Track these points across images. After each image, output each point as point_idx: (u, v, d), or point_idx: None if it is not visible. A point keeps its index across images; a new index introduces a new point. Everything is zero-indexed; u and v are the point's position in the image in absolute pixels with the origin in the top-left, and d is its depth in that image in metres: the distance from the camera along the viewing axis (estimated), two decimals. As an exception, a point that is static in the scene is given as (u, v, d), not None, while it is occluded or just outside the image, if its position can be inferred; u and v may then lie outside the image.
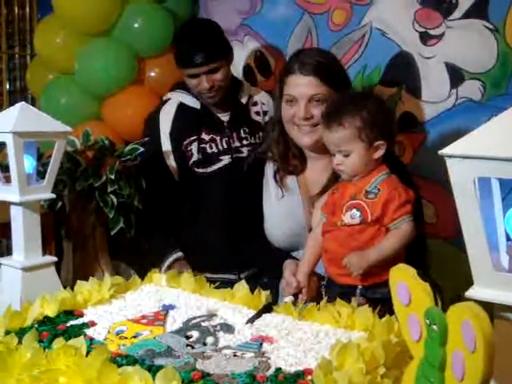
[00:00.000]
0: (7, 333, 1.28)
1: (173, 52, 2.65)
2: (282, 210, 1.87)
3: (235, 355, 1.18)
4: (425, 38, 2.36)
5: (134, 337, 1.28)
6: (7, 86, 3.38)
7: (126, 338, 1.28)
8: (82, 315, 1.41)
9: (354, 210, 1.54)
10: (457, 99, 2.31)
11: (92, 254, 2.11)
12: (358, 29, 2.51)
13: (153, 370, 1.08)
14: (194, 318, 1.38)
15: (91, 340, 1.25)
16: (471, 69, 2.26)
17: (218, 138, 2.24)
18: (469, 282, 0.91)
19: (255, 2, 2.84)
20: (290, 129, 1.82)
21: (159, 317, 1.39)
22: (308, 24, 2.66)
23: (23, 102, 1.74)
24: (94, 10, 2.56)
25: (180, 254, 2.20)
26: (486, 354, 0.69)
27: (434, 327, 0.77)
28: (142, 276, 1.68)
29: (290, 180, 1.89)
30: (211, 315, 1.39)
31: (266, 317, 1.39)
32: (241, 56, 2.82)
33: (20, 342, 1.21)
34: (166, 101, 2.31)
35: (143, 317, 1.40)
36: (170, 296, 1.54)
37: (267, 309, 1.42)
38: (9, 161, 1.65)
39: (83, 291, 1.51)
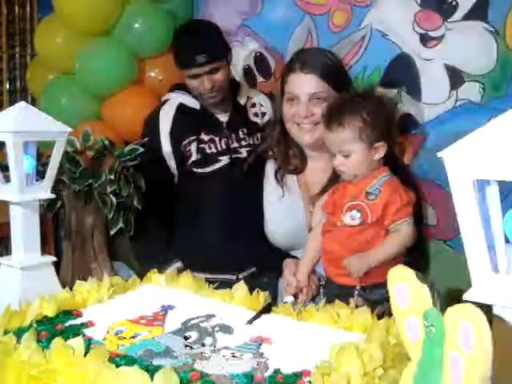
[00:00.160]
0: (6, 332, 1.28)
1: (173, 53, 2.68)
2: (282, 209, 1.87)
3: (234, 356, 1.18)
4: (425, 39, 2.36)
5: (133, 337, 1.28)
6: (7, 86, 3.38)
7: (124, 338, 1.28)
8: (80, 315, 1.41)
9: (355, 211, 1.54)
10: (456, 101, 2.31)
11: (91, 253, 2.11)
12: (359, 30, 2.52)
13: (151, 370, 1.08)
14: (193, 318, 1.38)
15: (90, 340, 1.25)
16: (471, 71, 2.27)
17: (217, 139, 2.26)
18: (468, 284, 0.91)
19: (255, 3, 2.84)
20: (291, 127, 1.83)
21: (158, 317, 1.39)
22: (308, 25, 2.66)
23: (23, 102, 1.74)
24: (95, 9, 2.56)
25: (179, 264, 2.21)
26: (484, 357, 0.69)
27: (432, 329, 0.77)
28: (141, 276, 1.68)
29: (291, 179, 1.89)
30: (210, 316, 1.39)
31: (265, 317, 1.39)
32: (241, 57, 2.83)
33: (19, 342, 1.21)
34: (165, 101, 2.32)
35: (142, 317, 1.40)
36: (169, 296, 1.54)
37: (267, 309, 1.42)
38: (8, 160, 1.65)
39: (82, 291, 1.52)
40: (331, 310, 1.36)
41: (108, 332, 1.31)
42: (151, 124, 2.31)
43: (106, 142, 2.13)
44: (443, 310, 0.78)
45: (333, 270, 1.60)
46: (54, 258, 1.78)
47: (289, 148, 1.88)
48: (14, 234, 1.71)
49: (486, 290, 0.85)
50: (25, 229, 1.69)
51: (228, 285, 1.60)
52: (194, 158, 2.24)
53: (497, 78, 2.21)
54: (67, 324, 1.35)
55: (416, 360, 0.84)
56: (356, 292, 1.53)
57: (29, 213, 1.70)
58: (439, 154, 0.84)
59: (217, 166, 2.25)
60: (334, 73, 1.80)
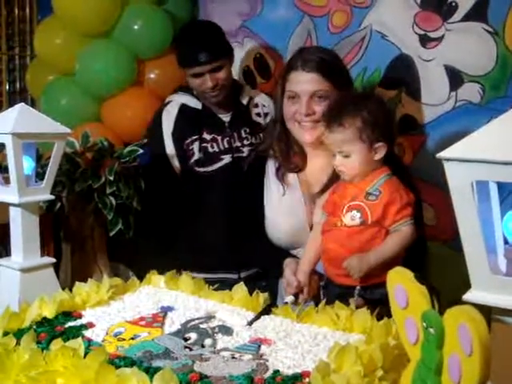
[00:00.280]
0: (5, 334, 1.28)
1: (173, 53, 2.68)
2: (283, 207, 1.87)
3: (233, 357, 1.18)
4: (424, 40, 2.36)
5: (132, 338, 1.28)
6: (7, 87, 3.38)
7: (124, 339, 1.28)
8: (80, 316, 1.41)
9: (355, 212, 1.53)
10: (456, 102, 2.31)
11: (91, 255, 2.12)
12: (358, 31, 2.52)
13: (150, 371, 1.08)
14: (193, 319, 1.38)
15: (89, 341, 1.25)
16: (471, 71, 2.27)
17: (219, 138, 2.27)
18: (468, 285, 0.91)
19: (255, 4, 2.84)
20: (292, 126, 1.83)
21: (157, 318, 1.39)
22: (308, 26, 2.66)
23: (22, 103, 1.74)
24: (94, 11, 2.56)
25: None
26: (483, 358, 0.69)
27: (431, 330, 0.77)
28: (141, 277, 1.68)
29: (291, 177, 1.89)
30: (209, 317, 1.39)
31: (265, 319, 1.39)
32: (240, 58, 2.83)
33: (18, 343, 1.21)
34: (168, 102, 2.35)
35: (141, 318, 1.40)
36: (169, 298, 1.54)
37: (266, 311, 1.42)
38: (8, 162, 1.65)
39: (81, 293, 1.51)
40: (331, 312, 1.36)
41: (107, 333, 1.31)
42: (154, 125, 2.34)
43: (106, 144, 2.13)
44: (443, 311, 0.78)
45: (333, 270, 1.59)
46: (54, 260, 1.78)
47: (289, 146, 1.88)
48: (13, 235, 1.72)
49: (485, 291, 0.85)
50: (24, 230, 1.69)
51: (230, 284, 1.61)
52: (196, 157, 2.26)
53: (496, 78, 2.22)
54: (67, 325, 1.35)
55: (415, 361, 0.84)
56: (356, 292, 1.53)
57: (28, 214, 1.70)
58: (438, 156, 0.84)
59: (219, 164, 2.27)
60: (334, 71, 1.80)
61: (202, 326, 1.34)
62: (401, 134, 2.37)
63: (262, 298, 1.48)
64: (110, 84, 2.61)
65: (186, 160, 2.27)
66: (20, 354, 1.15)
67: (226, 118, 2.30)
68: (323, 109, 1.71)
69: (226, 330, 1.32)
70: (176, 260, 2.30)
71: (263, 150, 1.97)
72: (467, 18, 2.26)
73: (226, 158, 2.26)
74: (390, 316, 1.09)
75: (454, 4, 2.29)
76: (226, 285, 1.61)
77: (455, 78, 2.30)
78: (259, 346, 1.23)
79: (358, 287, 1.53)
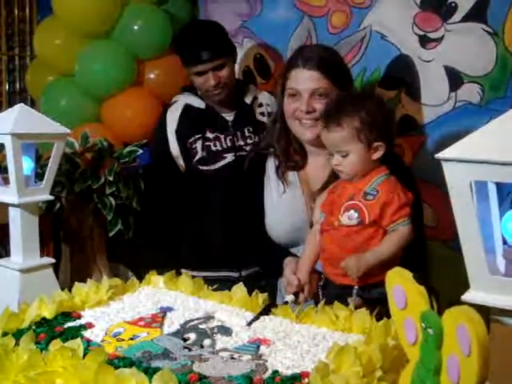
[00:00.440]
0: (4, 334, 1.28)
1: (173, 54, 2.69)
2: (283, 205, 1.87)
3: (232, 358, 1.18)
4: (424, 41, 2.36)
5: (132, 339, 1.28)
6: (6, 88, 3.38)
7: (123, 339, 1.28)
8: (79, 317, 1.41)
9: (352, 211, 1.53)
10: (456, 102, 2.31)
11: (90, 255, 2.12)
12: (358, 32, 2.52)
13: (149, 372, 1.08)
14: (192, 320, 1.38)
15: (88, 342, 1.25)
16: (470, 72, 2.27)
17: (222, 137, 2.30)
18: (467, 285, 0.91)
19: (255, 5, 2.84)
20: (292, 123, 1.83)
21: (157, 319, 1.39)
22: (308, 26, 2.67)
23: (22, 104, 1.74)
24: (94, 11, 2.56)
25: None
26: (481, 358, 0.69)
27: (430, 331, 0.77)
28: (141, 278, 1.68)
29: (292, 175, 1.89)
30: (208, 317, 1.39)
31: (264, 319, 1.39)
32: (240, 58, 2.83)
33: (17, 344, 1.21)
34: (173, 103, 2.38)
35: (141, 319, 1.40)
36: (168, 298, 1.54)
37: (266, 311, 1.42)
38: (7, 162, 1.65)
39: (81, 293, 1.51)
40: (330, 312, 1.36)
41: (106, 334, 1.31)
42: (159, 125, 2.39)
43: (105, 144, 2.13)
44: (443, 311, 0.78)
45: (331, 269, 1.59)
46: (53, 260, 1.78)
47: (289, 144, 1.88)
48: (12, 235, 1.72)
49: (484, 291, 0.85)
50: (24, 231, 1.69)
51: (231, 282, 1.60)
52: (199, 155, 2.28)
53: (496, 79, 2.22)
54: (66, 326, 1.35)
55: (414, 362, 0.84)
56: (354, 292, 1.52)
57: (28, 215, 1.70)
58: (436, 156, 0.84)
59: (222, 163, 2.29)
60: (335, 69, 1.80)
61: (201, 326, 1.34)
62: (400, 134, 2.37)
63: (261, 298, 1.48)
64: (109, 84, 2.61)
65: (190, 159, 2.30)
66: (19, 355, 1.15)
67: (229, 117, 2.32)
68: (323, 107, 1.71)
69: (225, 331, 1.32)
70: (177, 259, 2.34)
71: (263, 148, 1.97)
72: (467, 18, 2.27)
73: (229, 157, 2.29)
74: (389, 316, 1.09)
75: (453, 5, 2.29)
76: (227, 283, 1.62)
77: (455, 79, 2.30)
78: (258, 347, 1.23)
79: (356, 287, 1.52)
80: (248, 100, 2.35)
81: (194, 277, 1.69)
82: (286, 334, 1.30)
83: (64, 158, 1.91)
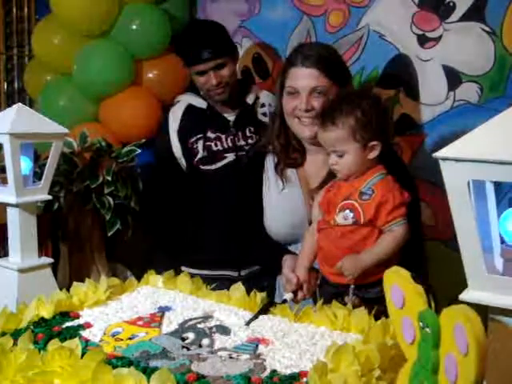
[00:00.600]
0: (2, 334, 1.28)
1: (171, 53, 2.69)
2: (282, 202, 1.87)
3: (231, 357, 1.18)
4: (422, 40, 2.36)
5: (130, 338, 1.28)
6: (5, 87, 3.37)
7: (121, 339, 1.28)
8: (77, 317, 1.41)
9: (347, 211, 1.53)
10: (454, 102, 2.31)
11: (89, 255, 2.11)
12: (356, 31, 2.52)
13: (148, 371, 1.08)
14: (190, 319, 1.38)
15: (87, 342, 1.25)
16: (468, 71, 2.27)
17: (223, 137, 2.31)
18: (466, 285, 0.91)
19: (253, 5, 2.84)
20: (292, 121, 1.83)
21: (155, 318, 1.39)
22: (307, 26, 2.67)
23: (20, 103, 1.74)
24: (92, 11, 2.56)
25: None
26: (478, 357, 0.69)
27: (427, 330, 0.77)
28: (140, 277, 1.68)
29: (290, 172, 1.89)
30: (207, 317, 1.39)
31: (263, 318, 1.39)
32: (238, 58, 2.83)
33: (15, 344, 1.21)
34: (175, 103, 2.40)
35: (139, 318, 1.40)
36: (166, 298, 1.54)
37: (264, 310, 1.42)
38: (5, 162, 1.65)
39: (79, 293, 1.51)
40: (328, 311, 1.36)
41: (105, 334, 1.31)
42: (162, 125, 2.42)
43: (104, 144, 2.13)
44: (441, 310, 0.78)
45: (327, 268, 1.59)
46: (51, 260, 1.78)
47: (289, 142, 1.88)
48: (11, 235, 1.72)
49: (482, 290, 0.85)
50: (22, 230, 1.69)
51: (230, 281, 1.59)
52: (200, 155, 2.30)
53: (494, 78, 2.22)
54: (64, 326, 1.35)
55: (412, 361, 0.84)
56: (351, 291, 1.52)
57: (26, 214, 1.70)
58: (434, 155, 0.84)
59: (222, 162, 2.30)
60: (334, 67, 1.81)
61: (199, 325, 1.34)
62: (399, 133, 2.37)
63: (259, 297, 1.48)
64: (107, 84, 2.61)
65: (191, 158, 2.31)
66: (17, 355, 1.15)
67: (230, 117, 2.33)
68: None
69: (224, 330, 1.32)
70: (177, 257, 2.35)
71: (262, 146, 1.97)
72: (465, 17, 2.27)
73: (230, 157, 2.29)
74: (387, 315, 1.09)
75: (451, 4, 2.29)
76: (227, 282, 1.62)
77: (453, 78, 2.30)
78: (257, 346, 1.23)
79: (352, 286, 1.52)
80: (250, 100, 2.36)
81: (193, 275, 1.70)
82: (285, 333, 1.30)
83: (62, 157, 1.91)
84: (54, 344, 1.18)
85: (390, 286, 0.85)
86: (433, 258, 2.03)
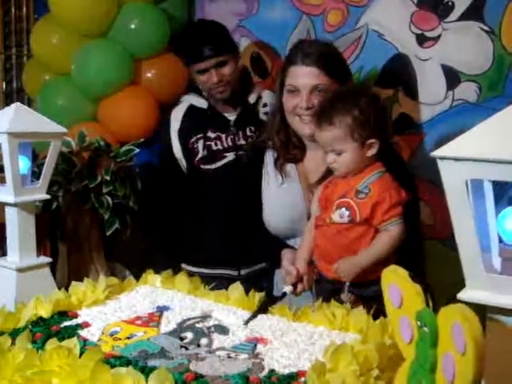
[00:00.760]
0: (1, 333, 1.28)
1: (169, 53, 2.69)
2: (281, 197, 1.87)
3: (229, 356, 1.18)
4: (421, 39, 2.36)
5: (128, 338, 1.28)
6: (3, 87, 3.37)
7: (119, 339, 1.28)
8: (76, 316, 1.41)
9: (343, 209, 1.52)
10: (453, 101, 2.32)
11: (87, 255, 2.11)
12: (354, 30, 2.52)
13: (146, 371, 1.08)
14: (189, 319, 1.38)
15: (85, 341, 1.25)
16: (467, 71, 2.27)
17: (223, 136, 2.31)
18: (464, 284, 0.91)
19: (252, 4, 2.84)
20: (292, 119, 1.83)
21: (153, 318, 1.39)
22: (307, 25, 2.66)
23: (18, 103, 1.74)
24: (91, 10, 2.55)
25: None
26: (476, 356, 0.69)
27: (425, 329, 0.77)
28: (138, 277, 1.68)
29: (290, 168, 1.89)
30: (205, 316, 1.39)
31: (261, 318, 1.39)
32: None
33: (13, 343, 1.21)
34: (178, 103, 2.40)
35: (137, 318, 1.40)
36: (165, 297, 1.54)
37: (263, 309, 1.42)
38: (4, 161, 1.64)
39: (78, 292, 1.51)
40: (327, 311, 1.36)
41: (103, 333, 1.31)
42: (163, 125, 2.42)
43: (102, 143, 2.13)
44: (439, 309, 0.78)
45: (323, 265, 1.59)
46: (50, 259, 1.78)
47: (288, 137, 1.88)
48: (9, 235, 1.71)
49: (480, 290, 0.85)
50: (20, 230, 1.69)
51: (230, 280, 1.60)
52: (200, 154, 2.30)
53: (493, 77, 2.22)
54: (62, 325, 1.35)
55: (410, 360, 0.84)
56: (346, 288, 1.52)
57: (24, 214, 1.70)
58: (432, 154, 0.84)
59: (222, 162, 2.30)
60: (334, 65, 1.80)
61: (197, 325, 1.34)
62: (398, 133, 2.37)
63: (258, 297, 1.48)
64: (106, 83, 2.60)
65: (192, 158, 2.31)
66: (15, 354, 1.15)
67: (231, 116, 2.33)
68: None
69: (222, 330, 1.32)
70: (177, 255, 2.35)
71: (262, 141, 1.97)
72: (464, 17, 2.27)
73: (230, 156, 2.29)
74: (385, 314, 1.09)
75: (450, 3, 2.29)
76: (226, 281, 1.62)
77: (452, 77, 2.30)
78: (255, 346, 1.23)
79: (347, 283, 1.52)
80: (251, 99, 2.36)
81: (193, 273, 1.70)
82: (283, 332, 1.30)
83: (61, 157, 1.91)
84: (52, 343, 1.18)
85: (387, 285, 0.85)
86: (431, 256, 2.03)
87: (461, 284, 0.89)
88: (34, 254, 1.73)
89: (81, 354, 1.14)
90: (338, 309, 1.36)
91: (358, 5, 2.50)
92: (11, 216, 1.70)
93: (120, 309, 1.46)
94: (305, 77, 1.77)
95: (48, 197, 1.78)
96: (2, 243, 1.79)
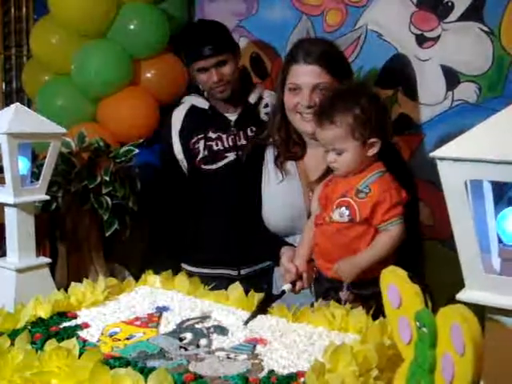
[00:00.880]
0: (0, 334, 1.28)
1: (169, 53, 2.69)
2: (281, 194, 1.87)
3: (228, 357, 1.18)
4: (421, 40, 2.36)
5: (128, 339, 1.28)
6: (3, 87, 3.37)
7: (119, 339, 1.28)
8: (75, 317, 1.40)
9: (343, 209, 1.52)
10: (453, 101, 2.32)
11: (87, 255, 2.11)
12: (353, 30, 2.52)
13: (145, 371, 1.08)
14: (188, 319, 1.38)
15: (84, 342, 1.25)
16: (467, 71, 2.27)
17: (224, 136, 2.32)
18: (463, 284, 0.91)
19: (251, 5, 2.84)
20: (293, 117, 1.83)
21: (153, 319, 1.39)
22: (306, 25, 2.66)
23: (18, 103, 1.74)
24: (90, 11, 2.56)
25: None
26: (475, 357, 0.69)
27: (424, 330, 0.77)
28: (137, 277, 1.68)
29: (290, 165, 1.89)
30: (205, 317, 1.39)
31: (260, 318, 1.39)
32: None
33: (12, 344, 1.21)
34: (179, 104, 2.41)
35: (137, 319, 1.40)
36: (164, 298, 1.54)
37: (262, 309, 1.42)
38: (3, 162, 1.65)
39: (77, 293, 1.51)
40: (326, 311, 1.36)
41: (102, 334, 1.31)
42: (164, 125, 2.43)
43: (102, 144, 2.13)
44: (437, 310, 0.78)
45: (323, 263, 1.59)
46: (49, 260, 1.78)
47: (289, 135, 1.88)
48: (9, 235, 1.71)
49: (479, 290, 0.85)
50: (20, 230, 1.69)
51: (230, 280, 1.59)
52: (201, 155, 2.31)
53: (492, 78, 2.22)
54: (61, 326, 1.34)
55: (409, 360, 0.84)
56: (345, 286, 1.52)
57: (24, 215, 1.70)
58: (431, 155, 0.84)
59: (223, 162, 2.31)
60: (335, 63, 1.80)
61: (197, 325, 1.34)
62: (397, 133, 2.37)
63: (257, 297, 1.48)
64: (105, 84, 2.60)
65: (193, 158, 2.32)
66: (14, 355, 1.15)
67: (232, 116, 2.34)
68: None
69: (222, 330, 1.32)
70: (177, 255, 2.35)
71: (262, 139, 1.97)
72: (463, 17, 2.27)
73: (231, 156, 2.30)
74: (380, 310, 1.08)
75: (450, 4, 2.29)
76: (226, 281, 1.61)
77: (452, 78, 2.30)
78: (254, 346, 1.23)
79: (345, 282, 1.52)
80: (252, 99, 2.36)
81: (193, 273, 1.70)
82: (283, 333, 1.30)
83: (60, 157, 1.91)
84: (51, 344, 1.18)
85: (386, 286, 0.85)
86: (430, 257, 2.03)
87: (460, 284, 0.89)
88: (34, 254, 1.73)
89: (80, 355, 1.13)
90: (338, 309, 1.36)
91: (358, 5, 2.50)
92: (11, 216, 1.70)
93: (119, 309, 1.46)
94: (306, 75, 1.77)
95: (47, 197, 1.78)
96: (2, 244, 1.79)
